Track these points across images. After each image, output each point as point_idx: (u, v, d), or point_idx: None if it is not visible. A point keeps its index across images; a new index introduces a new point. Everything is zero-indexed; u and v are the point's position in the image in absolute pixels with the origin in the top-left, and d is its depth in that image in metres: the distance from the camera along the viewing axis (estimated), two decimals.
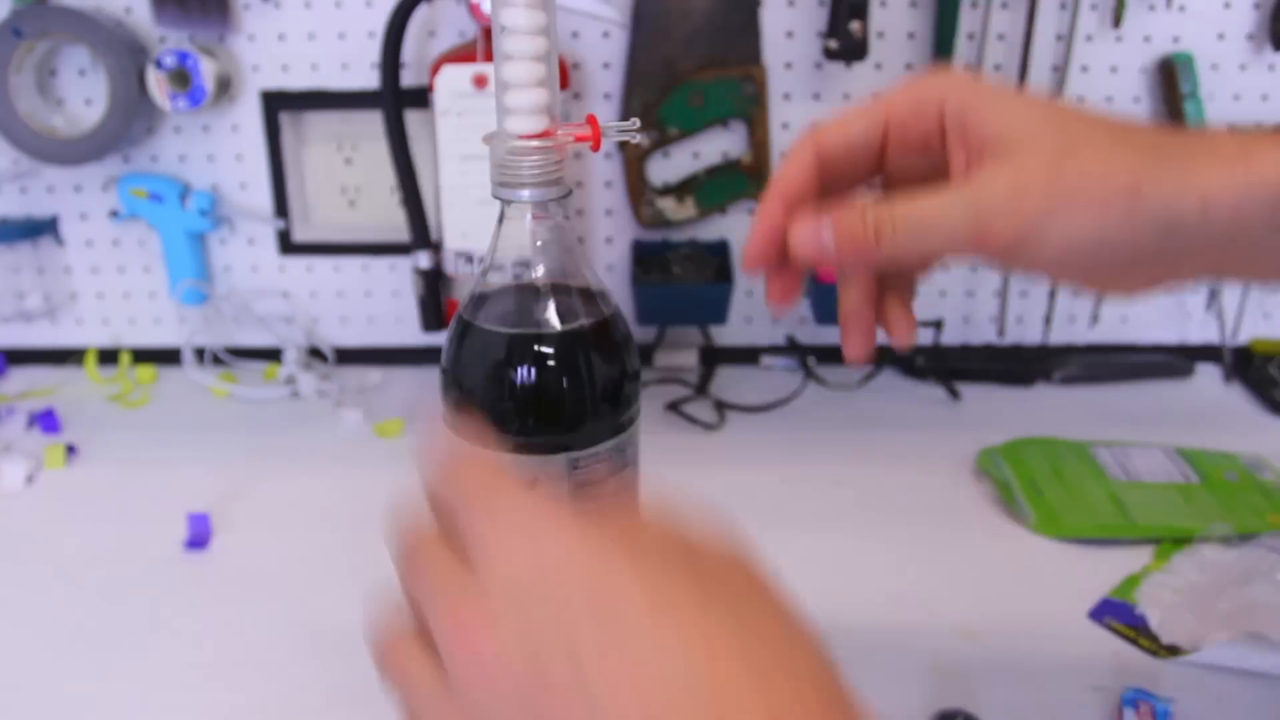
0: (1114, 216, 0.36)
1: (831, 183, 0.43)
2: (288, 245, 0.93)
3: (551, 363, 0.42)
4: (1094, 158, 0.37)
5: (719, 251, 0.92)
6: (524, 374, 0.42)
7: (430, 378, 0.94)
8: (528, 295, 0.44)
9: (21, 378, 0.94)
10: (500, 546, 0.29)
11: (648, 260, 0.91)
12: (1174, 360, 0.94)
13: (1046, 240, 0.37)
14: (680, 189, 0.90)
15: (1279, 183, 0.35)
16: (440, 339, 0.46)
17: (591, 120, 0.42)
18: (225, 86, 0.87)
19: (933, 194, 0.39)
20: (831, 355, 0.95)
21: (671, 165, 0.90)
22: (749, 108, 0.87)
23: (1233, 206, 0.36)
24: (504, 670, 0.27)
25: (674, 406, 0.87)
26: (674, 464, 0.82)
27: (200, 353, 0.95)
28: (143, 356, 0.96)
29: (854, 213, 0.39)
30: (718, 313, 0.90)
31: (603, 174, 0.91)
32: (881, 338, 0.96)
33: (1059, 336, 0.95)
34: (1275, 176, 0.36)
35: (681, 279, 0.89)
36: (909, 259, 0.40)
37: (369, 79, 0.88)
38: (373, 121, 0.86)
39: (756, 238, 0.43)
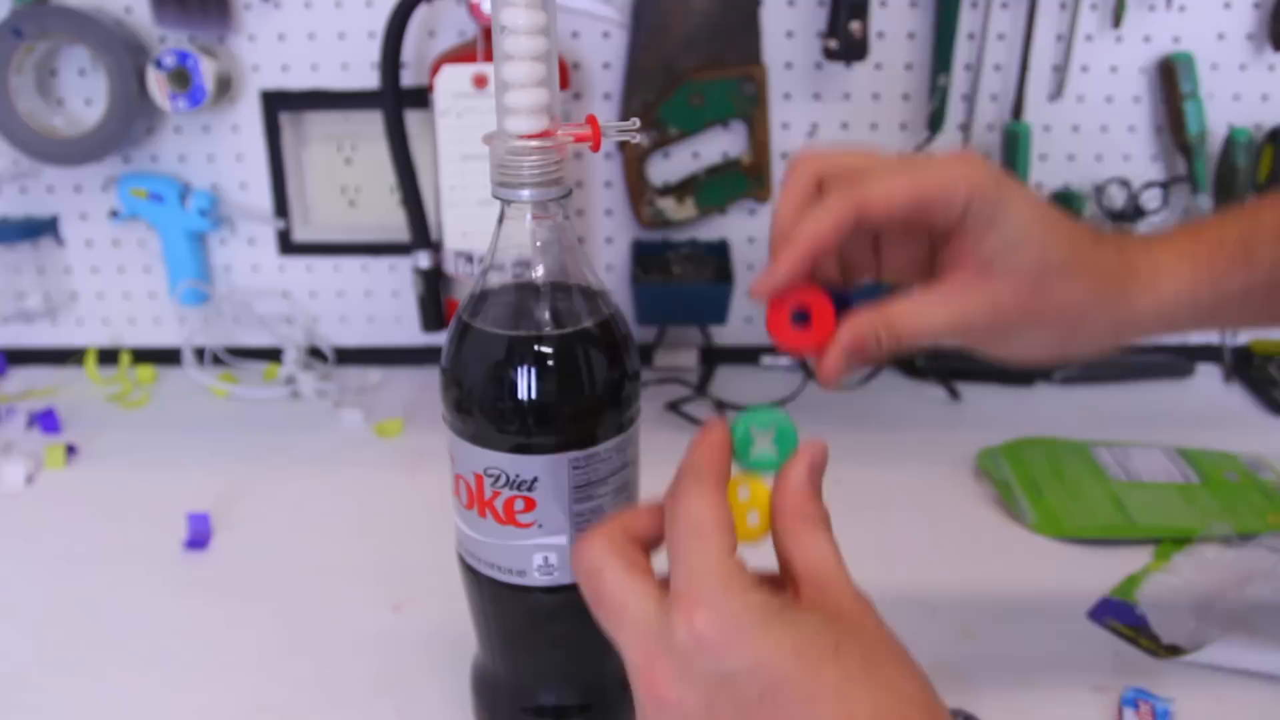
0: (1058, 338, 0.47)
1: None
2: (288, 245, 0.93)
3: (551, 363, 0.42)
4: (1060, 292, 0.45)
5: (719, 251, 0.92)
6: (524, 374, 0.42)
7: (430, 378, 0.94)
8: (528, 295, 0.44)
9: (21, 378, 0.94)
10: (709, 616, 0.34)
11: (648, 260, 0.91)
12: (1174, 360, 0.94)
13: (1008, 345, 0.47)
14: (680, 189, 0.90)
15: (1174, 301, 0.47)
16: (440, 339, 0.46)
17: (591, 120, 0.42)
18: (225, 86, 0.87)
19: (926, 308, 0.45)
20: None
21: (671, 165, 0.90)
22: (749, 108, 0.87)
23: (1135, 331, 0.48)
24: (682, 715, 0.34)
25: (674, 406, 0.87)
26: (674, 464, 0.82)
27: (200, 353, 0.95)
28: (143, 356, 0.96)
29: (870, 334, 0.44)
30: (718, 313, 0.90)
31: (603, 174, 0.91)
32: None
33: None
34: (1172, 297, 0.47)
35: (681, 279, 0.89)
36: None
37: (369, 79, 0.88)
38: (373, 121, 0.86)
39: (776, 284, 0.44)
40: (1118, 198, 0.89)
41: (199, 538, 0.68)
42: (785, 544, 0.38)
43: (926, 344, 0.45)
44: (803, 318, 0.44)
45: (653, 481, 0.45)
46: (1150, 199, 0.89)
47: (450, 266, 0.84)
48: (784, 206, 0.45)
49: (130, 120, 0.85)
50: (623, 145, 0.89)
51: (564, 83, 0.86)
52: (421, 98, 0.84)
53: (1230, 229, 0.48)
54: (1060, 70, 0.87)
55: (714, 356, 0.95)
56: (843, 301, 0.45)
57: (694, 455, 0.38)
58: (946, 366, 0.91)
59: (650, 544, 0.39)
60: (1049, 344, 0.47)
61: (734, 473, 0.39)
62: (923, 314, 0.45)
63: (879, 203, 0.43)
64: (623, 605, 0.36)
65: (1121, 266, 0.47)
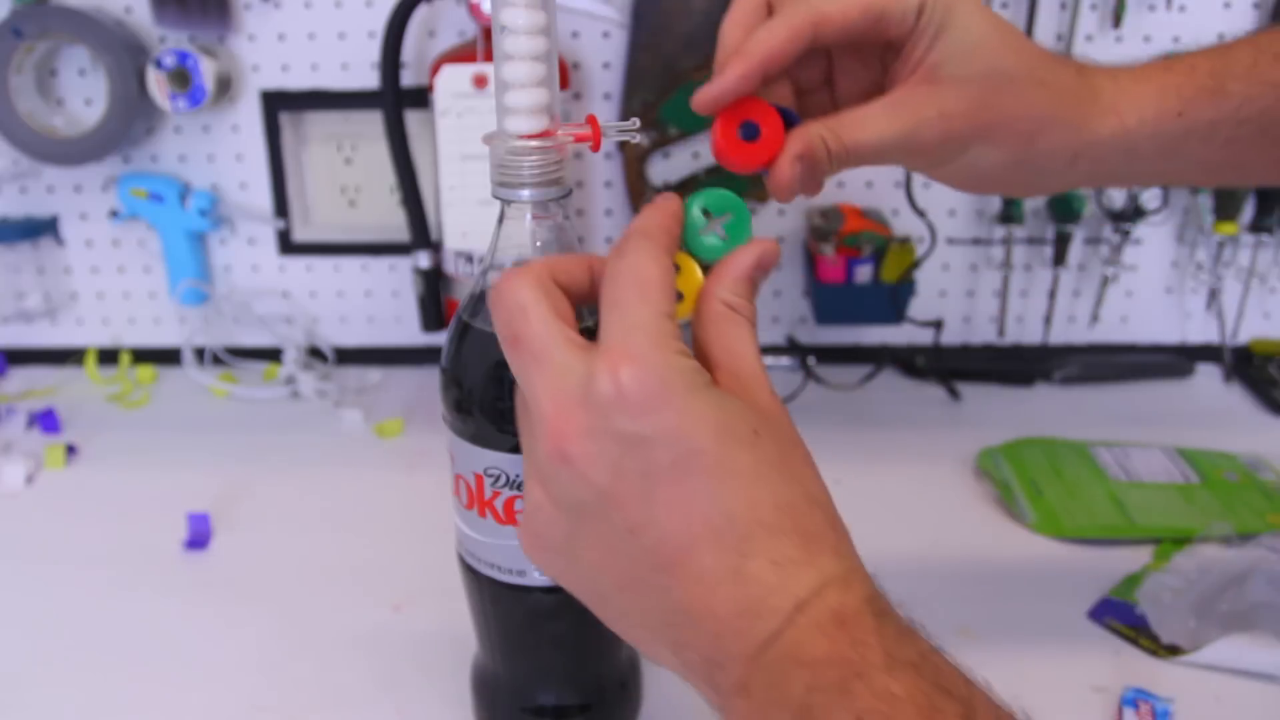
0: (1010, 156, 0.45)
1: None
2: (288, 245, 0.93)
3: None
4: (1011, 104, 0.44)
5: None
6: None
7: (430, 378, 0.94)
8: None
9: (21, 378, 0.94)
10: (638, 372, 0.32)
11: None
12: (1174, 360, 0.94)
13: (959, 164, 0.45)
14: (680, 189, 0.90)
15: (1137, 129, 0.45)
16: (440, 339, 0.46)
17: (591, 120, 0.42)
18: (225, 86, 0.87)
19: (874, 116, 0.43)
20: (831, 355, 0.95)
21: (671, 165, 0.90)
22: None
23: (1097, 158, 0.45)
24: (585, 473, 0.33)
25: None
26: None
27: (200, 353, 0.95)
28: (143, 356, 0.96)
29: (820, 149, 0.43)
30: None
31: (603, 174, 0.91)
32: (883, 337, 0.95)
33: (1059, 336, 0.95)
34: (1135, 124, 0.45)
35: None
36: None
37: (369, 79, 0.88)
38: (373, 121, 0.86)
39: (722, 94, 0.42)
40: (1118, 198, 0.89)
41: (199, 538, 0.68)
42: (708, 330, 0.36)
43: (876, 158, 0.43)
44: (751, 135, 0.43)
45: None
46: (1150, 199, 0.89)
47: (450, 266, 0.84)
48: (731, 25, 0.44)
49: (130, 120, 0.85)
50: (623, 145, 0.89)
51: (564, 83, 0.86)
52: (421, 98, 0.84)
53: (1202, 62, 0.47)
54: None
55: None
56: (791, 121, 0.43)
57: (644, 218, 0.37)
58: (946, 366, 0.91)
59: (576, 297, 0.37)
60: (1001, 163, 0.45)
61: None
62: (870, 123, 0.43)
63: (835, 14, 0.42)
64: (545, 350, 0.34)
65: (1081, 86, 0.45)
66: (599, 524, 0.33)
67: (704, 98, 0.42)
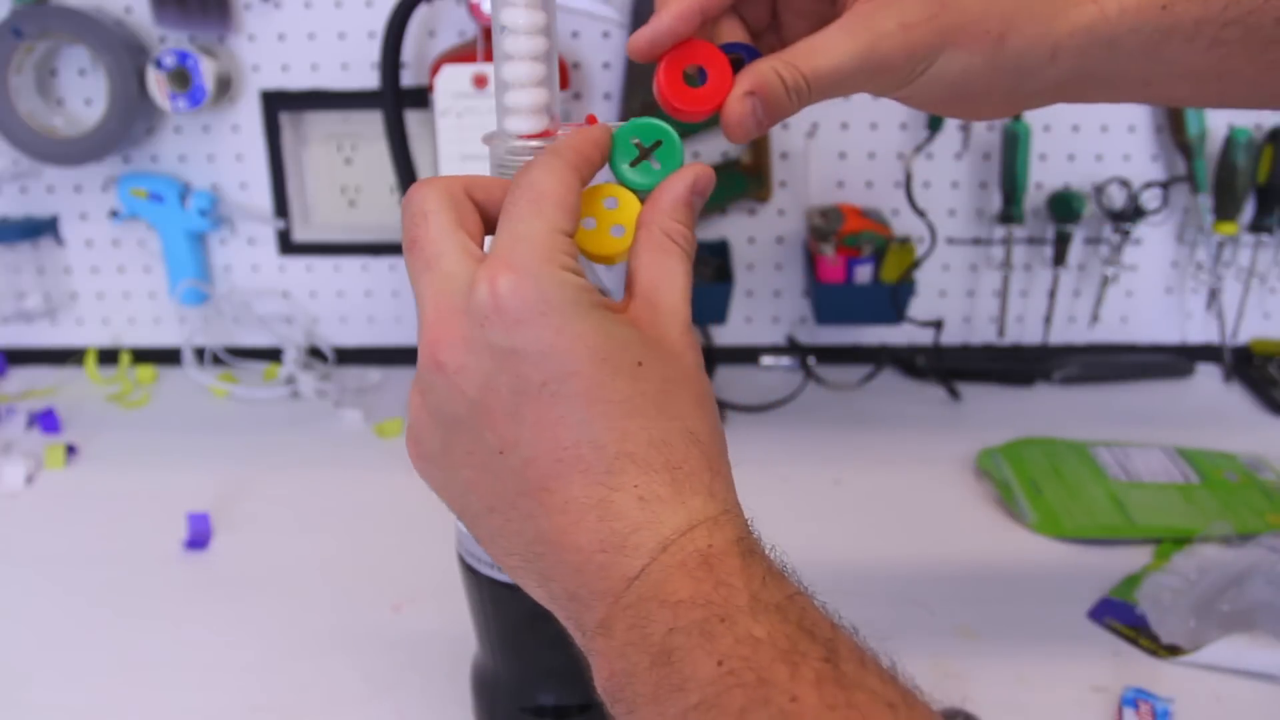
0: (981, 60, 0.40)
1: None
2: (288, 245, 0.93)
3: None
4: (973, 2, 0.40)
5: (719, 252, 0.92)
6: None
7: None
8: None
9: (21, 378, 0.94)
10: (517, 282, 0.31)
11: None
12: (1174, 360, 0.94)
13: (926, 77, 0.41)
14: None
15: (1118, 20, 0.41)
16: None
17: (591, 120, 0.42)
18: (225, 86, 0.87)
19: (830, 40, 0.40)
20: (831, 355, 0.95)
21: None
22: None
23: (1078, 51, 0.41)
24: (457, 384, 0.33)
25: None
26: None
27: (200, 353, 0.95)
28: (143, 356, 0.96)
29: (774, 82, 0.39)
30: (718, 313, 0.90)
31: (602, 174, 0.91)
32: (883, 337, 0.95)
33: (1059, 336, 0.95)
34: (1116, 14, 0.41)
35: None
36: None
37: (369, 79, 0.88)
38: (373, 121, 0.86)
39: (656, 36, 0.39)
40: (1118, 198, 0.89)
41: (199, 538, 0.68)
42: (640, 258, 0.36)
43: (838, 87, 0.40)
44: (699, 80, 0.40)
45: None
46: (1150, 199, 0.89)
47: None
48: None
49: (130, 120, 0.85)
50: None
51: (564, 83, 0.86)
52: (421, 98, 0.84)
53: None
54: None
55: (714, 356, 0.95)
56: (748, 60, 0.40)
57: (561, 140, 0.36)
58: (946, 366, 0.91)
59: (492, 217, 0.36)
60: (975, 70, 0.41)
61: (607, 180, 0.37)
62: (826, 48, 0.39)
63: None
64: (436, 256, 0.34)
65: None
66: (470, 439, 0.33)
67: (638, 41, 0.39)
